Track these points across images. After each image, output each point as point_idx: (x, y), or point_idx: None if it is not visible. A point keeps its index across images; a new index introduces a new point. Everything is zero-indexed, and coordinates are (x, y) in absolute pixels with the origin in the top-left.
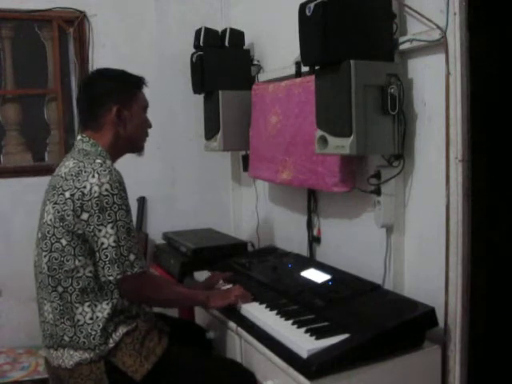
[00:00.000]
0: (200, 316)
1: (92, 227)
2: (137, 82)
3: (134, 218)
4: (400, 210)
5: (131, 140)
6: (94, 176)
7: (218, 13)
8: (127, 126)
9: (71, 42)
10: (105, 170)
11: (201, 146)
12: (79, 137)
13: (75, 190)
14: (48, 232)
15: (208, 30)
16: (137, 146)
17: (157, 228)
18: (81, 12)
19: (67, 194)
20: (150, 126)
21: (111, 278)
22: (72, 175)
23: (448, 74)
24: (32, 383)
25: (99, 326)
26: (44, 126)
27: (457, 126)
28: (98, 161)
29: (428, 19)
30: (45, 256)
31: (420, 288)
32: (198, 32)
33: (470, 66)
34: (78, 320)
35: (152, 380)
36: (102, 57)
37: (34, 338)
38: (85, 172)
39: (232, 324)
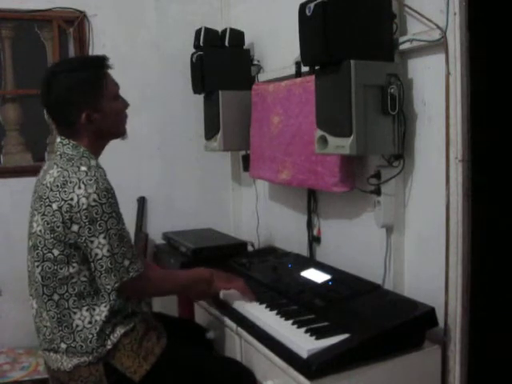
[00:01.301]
0: (200, 315)
1: (84, 238)
2: (97, 73)
3: (134, 218)
4: (400, 210)
5: (111, 131)
6: (80, 187)
7: (218, 13)
8: (102, 124)
9: (71, 42)
10: (90, 179)
11: (201, 146)
12: (58, 139)
13: (62, 203)
14: (39, 242)
15: (208, 30)
16: (118, 133)
17: (157, 228)
18: (81, 12)
19: (54, 206)
20: (126, 106)
21: (109, 287)
22: (58, 186)
23: (448, 73)
24: (32, 383)
25: (96, 329)
26: (44, 126)
27: (457, 126)
28: (83, 168)
29: (428, 19)
30: (37, 266)
31: (420, 288)
32: (197, 32)
33: (470, 66)
34: (77, 325)
35: (151, 380)
36: None
37: (34, 338)
38: (70, 182)
39: (232, 324)
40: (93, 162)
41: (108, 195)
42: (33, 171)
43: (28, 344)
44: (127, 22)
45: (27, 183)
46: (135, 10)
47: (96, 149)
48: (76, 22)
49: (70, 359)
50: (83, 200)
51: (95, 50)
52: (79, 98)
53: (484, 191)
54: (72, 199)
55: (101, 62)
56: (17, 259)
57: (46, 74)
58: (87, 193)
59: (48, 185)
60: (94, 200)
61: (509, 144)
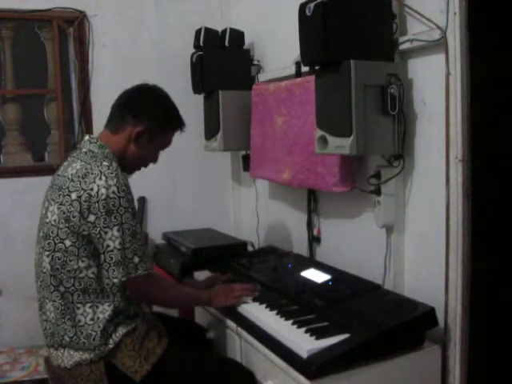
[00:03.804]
0: (200, 316)
1: (98, 229)
2: (175, 125)
3: None
4: (400, 210)
5: (130, 162)
6: (101, 178)
7: (217, 13)
8: (137, 150)
9: (71, 42)
10: (112, 173)
11: (201, 146)
12: (87, 137)
13: (82, 192)
14: (52, 232)
15: (208, 30)
16: (129, 169)
17: (157, 228)
18: (81, 12)
19: (73, 196)
20: (154, 162)
21: (116, 281)
22: (79, 177)
23: (448, 73)
24: (32, 383)
25: (99, 326)
26: (44, 126)
27: (457, 126)
28: (105, 163)
29: (428, 19)
30: (47, 256)
31: (420, 288)
32: (198, 32)
33: (470, 66)
34: (79, 320)
35: (152, 380)
36: (102, 57)
37: (34, 338)
38: (92, 174)
39: (232, 324)
40: (114, 164)
41: (127, 190)
42: (33, 171)
43: (28, 344)
44: (127, 22)
45: (27, 183)
46: (135, 9)
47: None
48: (76, 22)
49: (71, 356)
50: (103, 190)
51: (95, 50)
52: (153, 118)
53: (484, 191)
54: (92, 189)
55: (183, 125)
56: (17, 259)
57: (150, 86)
58: (107, 184)
59: (69, 176)
60: (113, 192)
61: (509, 144)
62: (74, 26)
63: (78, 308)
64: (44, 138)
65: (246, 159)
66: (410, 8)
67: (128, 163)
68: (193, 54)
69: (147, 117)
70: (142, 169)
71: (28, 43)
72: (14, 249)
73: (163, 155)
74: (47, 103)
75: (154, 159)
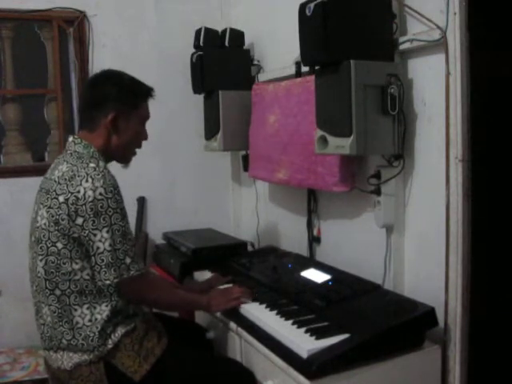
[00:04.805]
0: (200, 316)
1: (87, 232)
2: (142, 94)
3: (134, 219)
4: (400, 210)
5: (120, 150)
6: (87, 180)
7: (217, 13)
8: (120, 136)
9: (71, 42)
10: (98, 174)
11: (201, 146)
12: (71, 138)
13: (69, 195)
14: (43, 236)
15: (208, 30)
16: (124, 157)
17: (157, 228)
18: (81, 12)
19: (61, 199)
20: (145, 138)
21: (108, 282)
22: (66, 179)
23: (448, 73)
24: (32, 383)
25: (97, 327)
26: (44, 126)
27: (457, 126)
28: (92, 164)
29: (428, 19)
30: (41, 260)
31: (420, 288)
32: (198, 32)
33: (470, 66)
34: (77, 322)
35: (151, 380)
36: (102, 57)
37: (34, 338)
38: (78, 176)
39: (232, 324)
40: (101, 163)
41: (114, 191)
42: (33, 171)
43: (28, 344)
44: (127, 22)
45: (27, 183)
46: (135, 10)
47: (104, 156)
48: (76, 22)
49: (71, 358)
50: (90, 193)
51: (95, 50)
52: (117, 99)
53: (484, 191)
54: (79, 192)
55: (149, 90)
56: (17, 259)
57: (98, 73)
58: (94, 186)
59: (56, 179)
60: (101, 194)
61: (509, 144)
62: (74, 26)
63: (76, 310)
64: (44, 137)
65: (246, 159)
66: (410, 8)
67: (119, 153)
68: (193, 54)
69: (111, 101)
70: (142, 168)
71: (28, 43)
72: (13, 249)
73: (163, 155)
74: (47, 103)
75: (144, 136)
